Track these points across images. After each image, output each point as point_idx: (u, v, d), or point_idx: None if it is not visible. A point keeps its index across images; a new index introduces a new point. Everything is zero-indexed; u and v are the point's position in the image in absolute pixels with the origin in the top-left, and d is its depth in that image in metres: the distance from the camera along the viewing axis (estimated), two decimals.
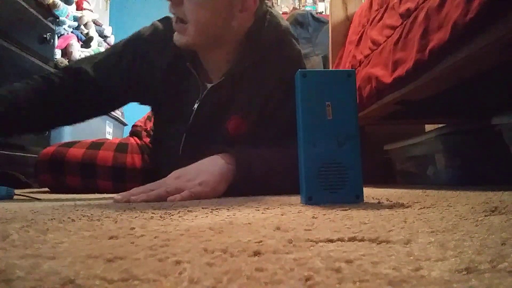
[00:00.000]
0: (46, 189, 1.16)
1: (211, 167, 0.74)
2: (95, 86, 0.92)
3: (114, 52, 0.97)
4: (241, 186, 0.75)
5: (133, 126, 1.31)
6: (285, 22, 0.93)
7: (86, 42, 2.32)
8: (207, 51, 0.89)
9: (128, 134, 1.30)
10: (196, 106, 0.89)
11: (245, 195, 0.75)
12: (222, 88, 0.88)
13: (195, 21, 0.80)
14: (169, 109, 0.94)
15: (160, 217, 0.42)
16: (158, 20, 0.97)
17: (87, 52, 2.32)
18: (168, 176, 0.73)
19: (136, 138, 1.22)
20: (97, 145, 1.12)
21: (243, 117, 0.88)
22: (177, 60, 0.90)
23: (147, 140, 1.19)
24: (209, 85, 0.89)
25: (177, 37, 0.83)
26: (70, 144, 1.12)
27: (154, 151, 1.09)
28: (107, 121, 2.58)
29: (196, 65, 0.90)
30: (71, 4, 2.08)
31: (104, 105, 1.00)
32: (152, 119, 1.13)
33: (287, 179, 0.73)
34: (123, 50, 0.95)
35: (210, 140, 0.86)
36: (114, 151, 1.12)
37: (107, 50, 1.01)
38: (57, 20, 1.93)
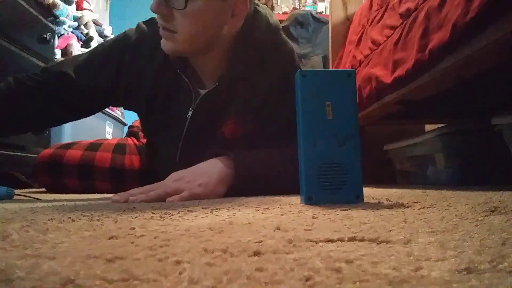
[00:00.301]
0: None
1: (210, 170, 0.73)
2: (77, 89, 0.90)
3: (98, 55, 0.93)
4: (241, 189, 0.75)
5: (130, 127, 1.31)
6: (274, 19, 0.91)
7: (86, 42, 2.32)
8: (197, 57, 0.87)
9: (125, 135, 1.30)
10: (190, 113, 0.86)
11: (245, 195, 0.75)
12: (217, 94, 0.85)
13: (185, 32, 0.78)
14: (160, 116, 0.91)
15: (160, 217, 0.42)
16: (144, 22, 0.94)
17: None
18: (167, 178, 0.73)
19: (134, 138, 1.22)
20: (95, 146, 1.12)
21: (239, 120, 0.86)
22: (166, 66, 0.88)
23: (145, 141, 1.19)
24: (202, 91, 0.87)
25: (165, 44, 0.81)
26: (68, 146, 1.12)
27: (151, 157, 1.09)
28: (107, 121, 2.58)
29: (187, 71, 0.88)
30: (71, 4, 2.08)
31: (85, 108, 0.97)
32: (141, 125, 1.11)
33: (287, 180, 0.73)
34: (108, 53, 0.92)
35: (207, 146, 0.85)
36: (112, 153, 1.12)
37: (90, 52, 0.97)
38: (57, 20, 1.93)
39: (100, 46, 0.98)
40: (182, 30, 0.77)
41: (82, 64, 0.92)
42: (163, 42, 0.81)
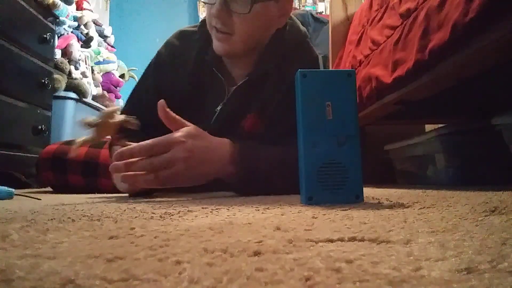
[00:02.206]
0: (47, 188, 1.17)
1: (216, 155, 0.72)
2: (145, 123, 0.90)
3: (142, 86, 0.98)
4: (244, 183, 0.74)
5: None
6: (303, 27, 0.96)
7: (86, 42, 2.32)
8: (239, 56, 0.89)
9: None
10: (219, 108, 0.90)
11: (245, 194, 0.75)
12: (245, 88, 0.89)
13: (243, 34, 0.81)
14: (188, 112, 0.93)
15: (160, 217, 0.42)
16: (173, 36, 0.98)
17: (87, 52, 2.32)
18: (181, 135, 0.68)
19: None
20: (99, 143, 1.13)
21: (259, 116, 0.90)
22: (199, 68, 0.92)
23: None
24: (231, 88, 0.90)
25: (218, 46, 0.84)
26: (72, 142, 1.12)
27: None
28: None
29: (221, 69, 0.91)
30: (71, 4, 2.08)
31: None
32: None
33: (288, 180, 0.72)
34: (149, 82, 0.96)
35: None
36: None
37: (136, 84, 1.01)
38: (57, 20, 1.93)
39: (143, 75, 1.01)
40: (239, 32, 0.81)
41: (133, 100, 0.97)
42: (216, 44, 0.84)
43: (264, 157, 0.78)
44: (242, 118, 0.90)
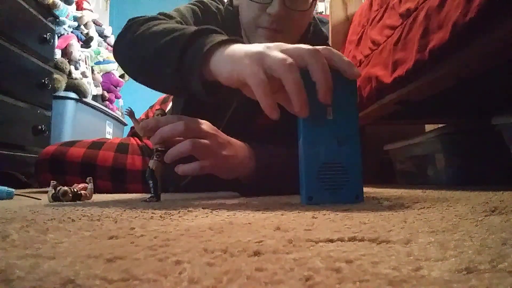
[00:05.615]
0: (47, 189, 1.16)
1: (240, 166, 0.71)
2: None
3: None
4: (261, 179, 0.73)
5: (132, 127, 1.31)
6: (325, 30, 0.97)
7: (86, 42, 2.32)
8: None
9: (128, 135, 1.30)
10: (233, 106, 0.90)
11: (258, 195, 0.74)
12: None
13: (295, 30, 0.82)
14: (202, 111, 0.93)
15: (160, 217, 0.42)
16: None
17: (87, 52, 2.32)
18: (212, 135, 0.66)
19: (137, 139, 1.21)
20: (97, 145, 1.12)
21: None
22: None
23: (148, 141, 1.19)
24: None
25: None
26: (70, 144, 1.12)
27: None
28: (107, 121, 2.58)
29: None
30: (71, 4, 2.08)
31: None
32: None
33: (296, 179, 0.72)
34: None
35: (242, 136, 0.86)
36: (115, 152, 1.12)
37: None
38: (57, 20, 1.93)
39: None
40: (291, 29, 0.82)
41: None
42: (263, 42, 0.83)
43: (276, 155, 0.77)
44: (254, 116, 0.89)
